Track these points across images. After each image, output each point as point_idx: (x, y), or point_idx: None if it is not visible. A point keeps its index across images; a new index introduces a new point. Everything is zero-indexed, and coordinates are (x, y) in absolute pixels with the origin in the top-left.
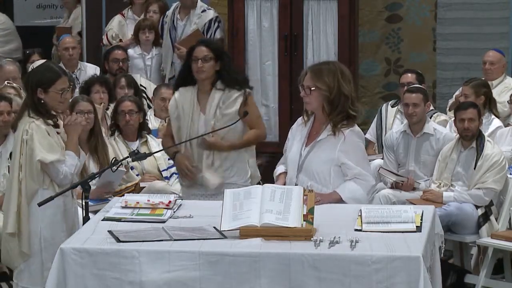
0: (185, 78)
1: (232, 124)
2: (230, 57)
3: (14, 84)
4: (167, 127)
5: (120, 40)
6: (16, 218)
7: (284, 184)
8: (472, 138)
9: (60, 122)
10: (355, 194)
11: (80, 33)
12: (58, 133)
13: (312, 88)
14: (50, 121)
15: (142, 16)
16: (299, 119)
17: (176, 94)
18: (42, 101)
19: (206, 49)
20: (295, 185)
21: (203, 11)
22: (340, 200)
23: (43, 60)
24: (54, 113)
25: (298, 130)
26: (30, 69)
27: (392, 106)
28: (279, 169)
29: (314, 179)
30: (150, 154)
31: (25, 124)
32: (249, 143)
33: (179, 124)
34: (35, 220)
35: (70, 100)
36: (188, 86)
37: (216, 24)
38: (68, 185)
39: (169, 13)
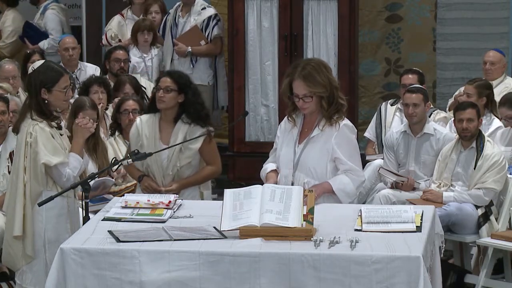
0: (153, 104)
1: (200, 136)
2: (198, 91)
3: (3, 85)
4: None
5: (119, 40)
6: (22, 221)
7: (276, 183)
8: (471, 138)
9: (63, 123)
10: (345, 187)
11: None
12: (61, 134)
13: (311, 96)
14: (53, 123)
15: (141, 17)
16: (286, 119)
17: (138, 120)
18: (46, 101)
19: (170, 80)
20: (292, 183)
21: (203, 8)
22: (331, 191)
23: (43, 60)
24: (57, 114)
25: (287, 130)
26: (30, 70)
27: (392, 105)
28: (269, 166)
29: (311, 175)
30: (150, 154)
31: (28, 126)
32: (205, 180)
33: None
34: (39, 221)
35: (74, 102)
36: (150, 114)
37: (214, 21)
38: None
39: (172, 11)
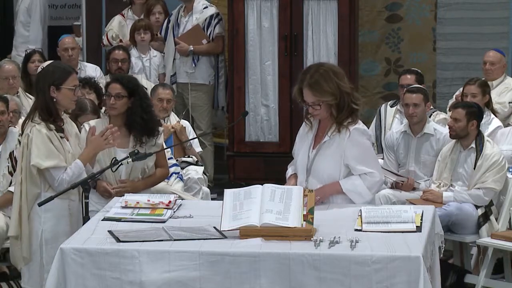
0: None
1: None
2: (146, 95)
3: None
4: None
5: (120, 41)
6: (18, 221)
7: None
8: (455, 137)
9: (65, 127)
10: (356, 188)
11: None
12: (61, 137)
13: (320, 104)
14: (52, 126)
15: (142, 17)
16: (304, 124)
17: (86, 126)
18: (55, 100)
19: (120, 86)
20: None
21: (205, 7)
22: (341, 191)
23: (50, 61)
24: (64, 115)
25: (304, 135)
26: (39, 69)
27: (391, 106)
28: (289, 171)
29: (324, 181)
30: (150, 154)
31: (27, 128)
32: (154, 183)
33: (97, 157)
34: (37, 222)
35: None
36: (96, 119)
37: (216, 20)
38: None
39: (174, 12)
